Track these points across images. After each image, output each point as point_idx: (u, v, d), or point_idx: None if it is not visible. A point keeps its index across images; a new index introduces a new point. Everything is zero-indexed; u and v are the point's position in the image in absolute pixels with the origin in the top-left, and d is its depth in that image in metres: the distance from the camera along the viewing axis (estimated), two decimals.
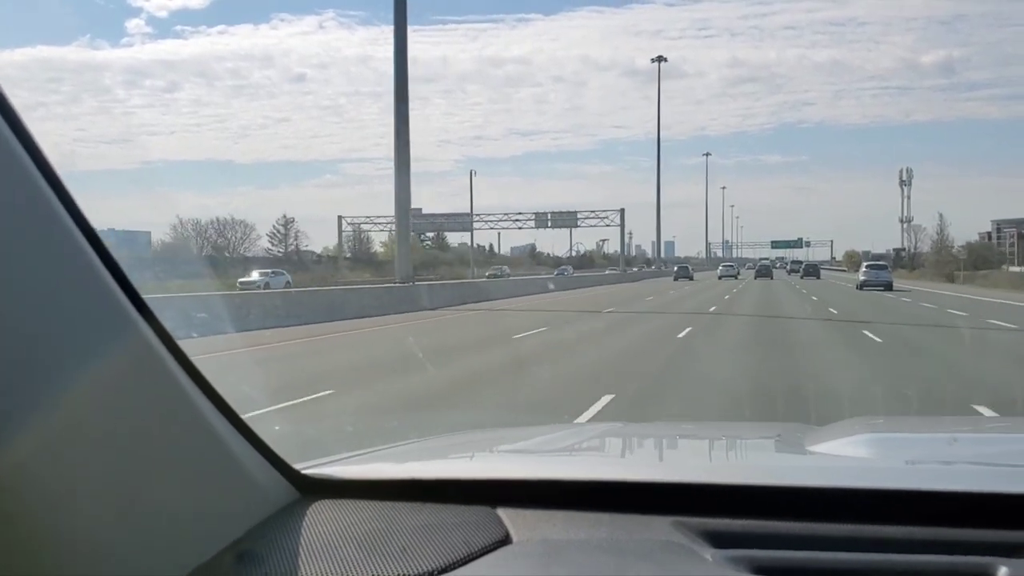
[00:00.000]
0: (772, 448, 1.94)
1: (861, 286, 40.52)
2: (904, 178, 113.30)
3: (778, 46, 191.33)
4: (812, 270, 71.85)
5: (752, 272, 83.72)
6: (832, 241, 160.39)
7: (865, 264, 45.97)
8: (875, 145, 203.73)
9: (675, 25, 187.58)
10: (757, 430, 2.61)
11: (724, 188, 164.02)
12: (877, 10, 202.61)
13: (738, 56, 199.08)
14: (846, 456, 1.62)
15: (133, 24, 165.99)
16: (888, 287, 39.82)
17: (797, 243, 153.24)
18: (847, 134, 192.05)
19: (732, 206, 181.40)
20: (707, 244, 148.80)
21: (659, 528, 1.21)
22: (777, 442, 1.93)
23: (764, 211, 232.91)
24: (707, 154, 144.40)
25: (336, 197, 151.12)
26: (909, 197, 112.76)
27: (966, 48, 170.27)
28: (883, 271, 42.47)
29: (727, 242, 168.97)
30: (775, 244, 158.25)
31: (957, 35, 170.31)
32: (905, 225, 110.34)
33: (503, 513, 1.27)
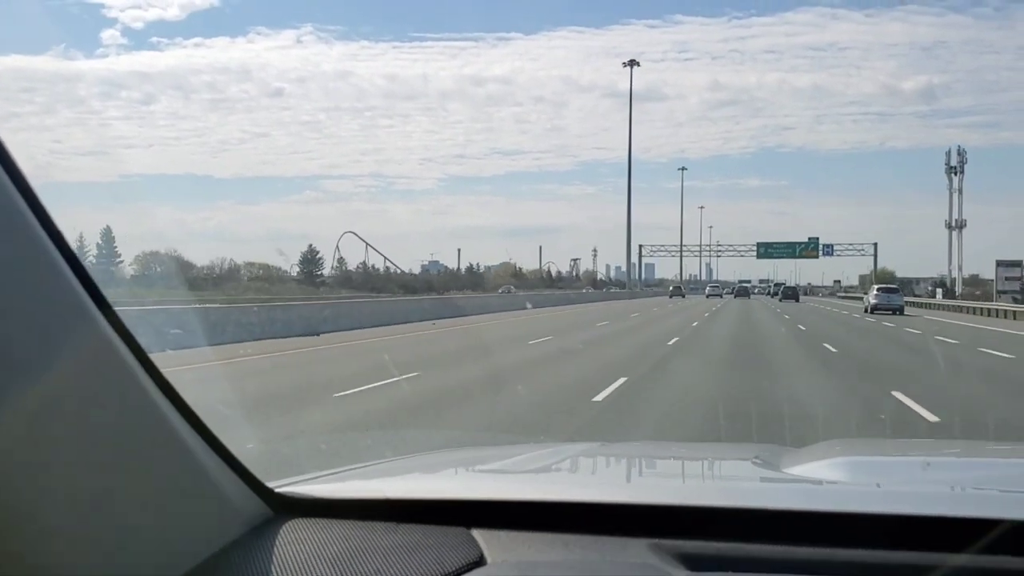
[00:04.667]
0: (748, 470, 1.94)
1: (872, 309, 40.12)
2: (953, 163, 76.37)
3: (759, 70, 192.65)
4: (791, 293, 70.10)
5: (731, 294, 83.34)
6: (876, 244, 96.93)
7: (876, 287, 45.52)
8: (856, 169, 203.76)
9: (656, 47, 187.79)
10: (734, 451, 2.62)
11: (684, 169, 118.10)
12: (858, 35, 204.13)
13: (719, 79, 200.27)
14: (821, 479, 1.63)
15: (108, 35, 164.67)
16: (899, 311, 39.61)
17: (811, 246, 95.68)
18: (827, 159, 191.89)
19: (701, 207, 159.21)
20: (628, 252, 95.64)
21: (634, 550, 1.21)
22: (753, 464, 1.93)
23: (750, 234, 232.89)
24: (629, 79, 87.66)
25: (316, 214, 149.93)
26: (960, 191, 76.50)
27: (946, 75, 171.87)
28: (895, 295, 42.82)
29: (707, 262, 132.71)
30: (765, 251, 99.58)
31: (938, 61, 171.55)
32: (955, 232, 75.46)
33: (478, 534, 1.26)
